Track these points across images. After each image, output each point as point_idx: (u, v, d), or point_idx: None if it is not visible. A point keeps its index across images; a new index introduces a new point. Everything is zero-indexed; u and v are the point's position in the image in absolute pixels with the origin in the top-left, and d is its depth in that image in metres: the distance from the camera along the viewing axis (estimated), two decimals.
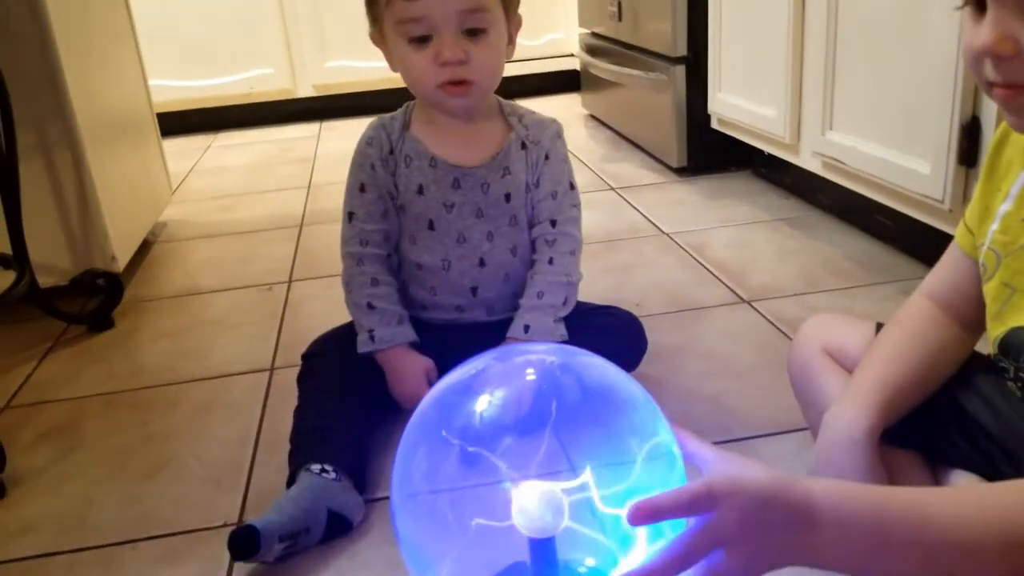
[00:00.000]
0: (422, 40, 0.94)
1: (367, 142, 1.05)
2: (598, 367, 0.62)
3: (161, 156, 1.99)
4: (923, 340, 0.75)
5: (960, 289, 0.76)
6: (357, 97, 2.98)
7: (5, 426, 1.08)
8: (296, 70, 2.97)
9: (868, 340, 0.81)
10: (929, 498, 0.54)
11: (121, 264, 1.52)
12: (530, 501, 0.57)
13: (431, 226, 1.04)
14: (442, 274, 1.05)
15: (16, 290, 1.24)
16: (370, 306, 1.03)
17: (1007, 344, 0.68)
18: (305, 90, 3.00)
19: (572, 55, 2.97)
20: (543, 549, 0.57)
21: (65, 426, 1.15)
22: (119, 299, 1.47)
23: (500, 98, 1.06)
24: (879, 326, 0.83)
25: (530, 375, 0.62)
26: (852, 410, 0.72)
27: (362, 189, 1.04)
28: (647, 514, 0.50)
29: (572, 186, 1.07)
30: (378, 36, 1.00)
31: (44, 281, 1.37)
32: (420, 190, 1.03)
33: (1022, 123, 0.60)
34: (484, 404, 0.61)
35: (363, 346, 1.02)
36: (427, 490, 0.61)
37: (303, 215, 2.00)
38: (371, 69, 2.91)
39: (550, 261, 1.05)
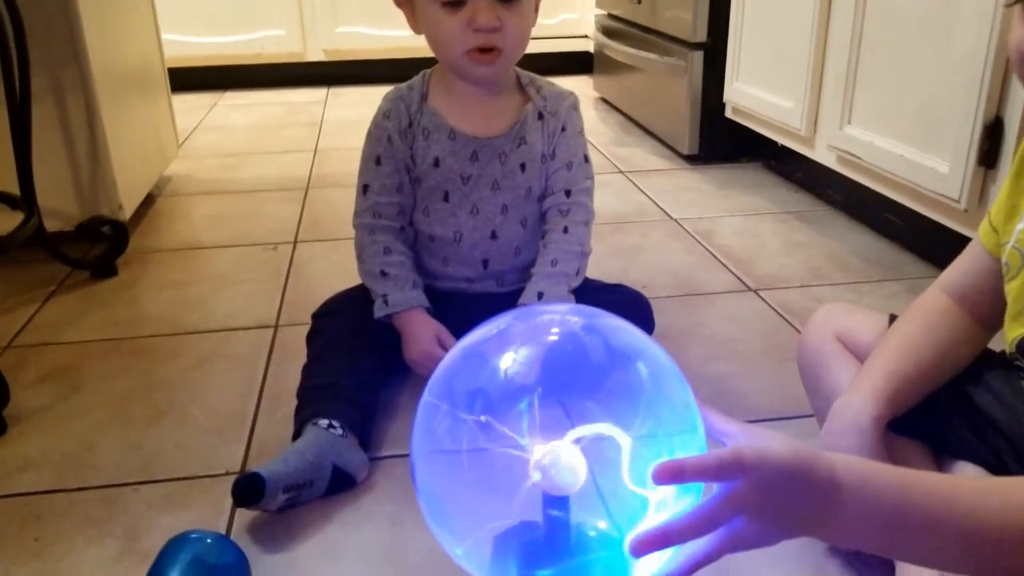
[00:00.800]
0: (455, 4, 0.93)
1: (384, 115, 1.04)
2: (624, 330, 0.62)
3: (170, 110, 1.97)
4: (935, 333, 0.75)
5: (978, 285, 0.76)
6: (366, 65, 2.96)
7: (7, 365, 1.07)
8: (307, 33, 2.94)
9: (881, 331, 0.81)
10: (951, 484, 0.54)
11: (127, 213, 1.51)
12: (549, 458, 0.57)
13: (446, 198, 1.03)
14: (454, 246, 1.05)
15: (23, 231, 1.23)
16: (383, 273, 1.03)
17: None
18: (315, 54, 2.97)
19: (586, 36, 2.96)
20: (557, 507, 0.57)
21: (67, 368, 1.15)
22: (124, 248, 1.46)
23: (518, 68, 1.06)
24: (892, 318, 0.83)
25: (554, 334, 0.62)
26: (860, 399, 0.72)
27: (378, 162, 1.04)
28: (672, 473, 0.50)
29: (587, 159, 1.08)
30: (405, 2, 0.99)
31: (50, 225, 1.36)
32: (436, 162, 1.02)
33: None
34: (507, 363, 0.61)
35: (379, 311, 1.02)
36: (449, 446, 0.60)
37: (309, 178, 1.99)
38: (382, 37, 2.90)
39: (564, 230, 1.05)
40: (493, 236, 1.05)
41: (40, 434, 1.00)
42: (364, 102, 2.72)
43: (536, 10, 1.00)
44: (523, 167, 1.03)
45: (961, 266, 0.79)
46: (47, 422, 1.02)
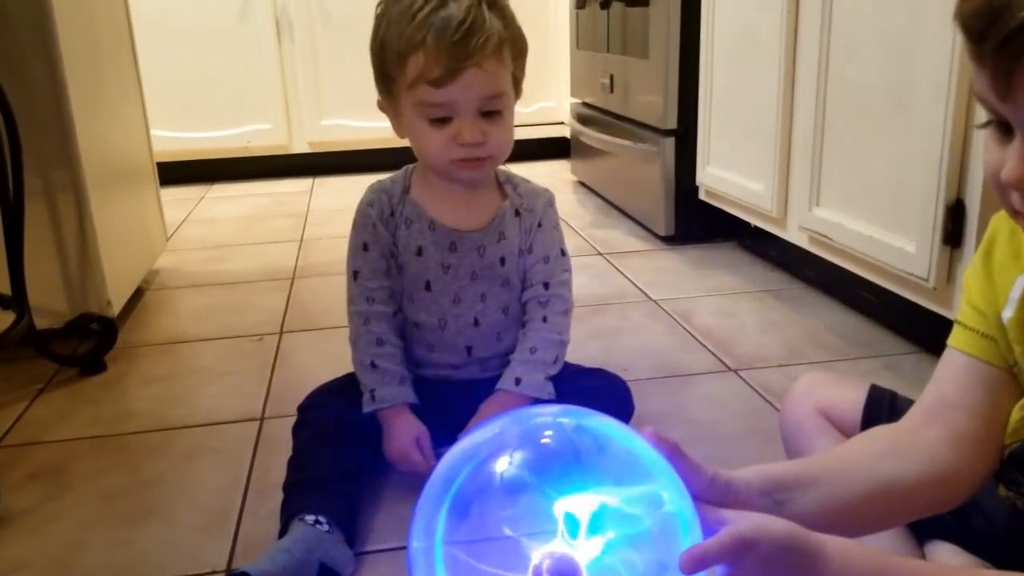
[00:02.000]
0: (442, 120, 0.98)
1: (368, 204, 1.09)
2: (615, 430, 0.64)
3: (158, 204, 2.01)
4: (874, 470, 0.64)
5: (966, 403, 0.66)
6: (350, 155, 3.04)
7: None
8: (293, 126, 3.02)
9: (860, 401, 0.84)
10: (929, 571, 0.56)
11: (116, 309, 1.53)
12: (547, 563, 0.58)
13: (428, 287, 1.07)
14: (438, 333, 1.08)
15: (14, 331, 1.25)
16: (373, 365, 1.05)
17: (1017, 457, 0.66)
18: (300, 146, 3.05)
19: (563, 123, 3.05)
20: None
21: (55, 467, 1.15)
22: (112, 343, 1.48)
23: (504, 168, 1.12)
24: (873, 387, 0.85)
25: (547, 438, 0.64)
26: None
27: (365, 248, 1.08)
28: (696, 562, 0.52)
29: (563, 252, 1.12)
30: (387, 105, 1.03)
31: (40, 323, 1.38)
32: (419, 251, 1.06)
33: None
34: (504, 466, 0.62)
35: (366, 405, 1.04)
36: (449, 541, 0.62)
37: (295, 268, 2.02)
38: (365, 128, 2.98)
39: (544, 319, 1.09)
40: (476, 323, 1.08)
41: (28, 535, 1.00)
42: (349, 191, 2.77)
43: (513, 117, 1.05)
44: (502, 261, 1.08)
45: (940, 385, 0.68)
46: (35, 523, 1.02)
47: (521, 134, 3.21)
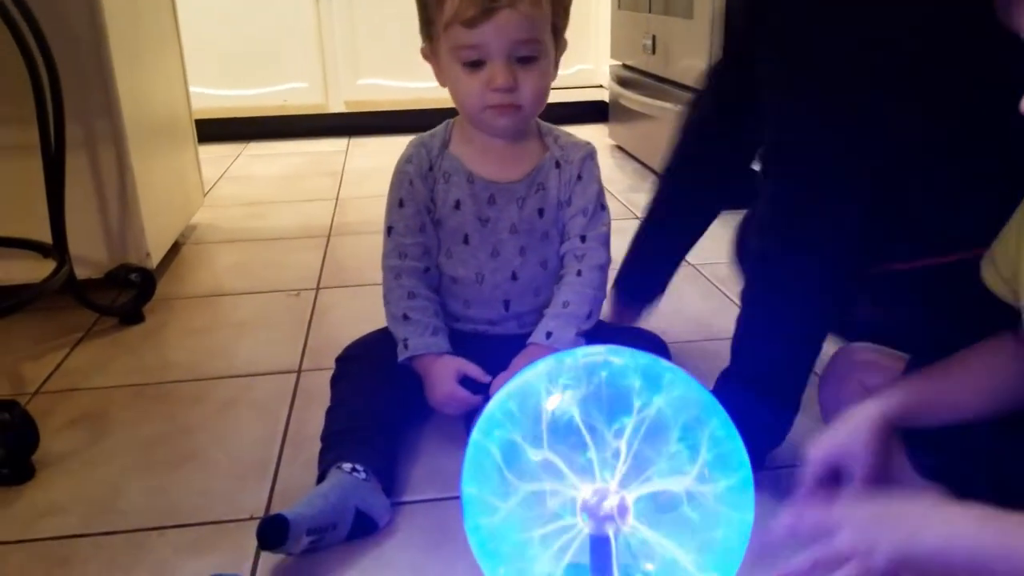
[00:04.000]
0: (476, 64, 0.97)
1: (407, 160, 1.08)
2: (681, 380, 0.64)
3: (196, 161, 2.02)
4: (993, 360, 0.72)
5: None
6: (386, 116, 3.02)
7: (36, 410, 1.09)
8: (329, 86, 3.01)
9: (899, 369, 0.82)
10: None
11: (155, 261, 1.55)
12: (593, 501, 0.58)
13: (466, 240, 1.07)
14: (476, 287, 1.08)
15: (55, 280, 1.26)
16: (406, 317, 1.05)
17: None
18: (336, 106, 3.04)
19: (601, 86, 3.01)
20: (602, 549, 0.58)
21: (94, 414, 1.17)
22: (151, 295, 1.49)
23: (538, 119, 1.09)
24: (911, 360, 0.83)
25: (600, 376, 0.64)
26: (877, 400, 0.72)
27: (401, 204, 1.08)
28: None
29: (603, 207, 1.10)
30: (430, 52, 1.03)
31: (80, 273, 1.40)
32: (457, 205, 1.06)
33: None
34: (555, 404, 0.63)
35: (400, 355, 1.04)
36: (501, 488, 0.62)
37: (331, 226, 2.02)
38: (402, 89, 2.97)
39: (578, 273, 1.07)
40: (513, 277, 1.08)
41: (67, 479, 1.01)
42: (384, 152, 2.77)
43: (556, 66, 1.03)
44: (540, 212, 1.07)
45: None
46: (74, 467, 1.04)
47: (559, 97, 3.18)
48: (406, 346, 1.04)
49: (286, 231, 2.00)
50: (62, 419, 1.15)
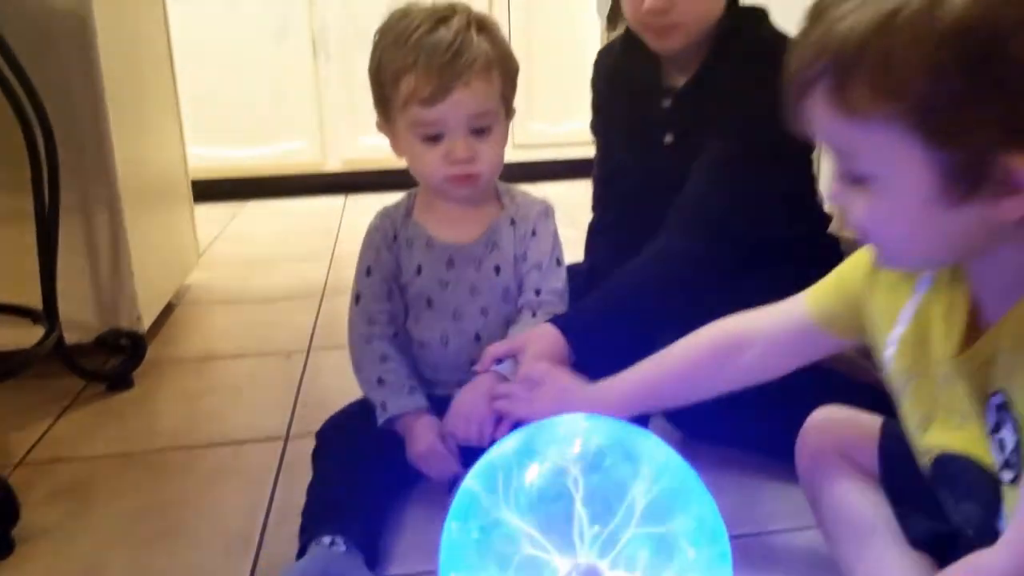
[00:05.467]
0: (435, 138, 1.02)
1: (374, 229, 1.13)
2: (649, 442, 0.64)
3: (191, 221, 2.03)
4: (700, 373, 0.87)
5: (778, 341, 0.83)
6: (384, 174, 3.04)
7: (19, 481, 1.08)
8: (327, 144, 3.04)
9: (875, 436, 0.82)
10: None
11: (145, 324, 1.54)
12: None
13: (429, 304, 1.09)
14: (441, 350, 1.10)
15: (43, 347, 1.25)
16: (380, 381, 1.06)
17: (937, 472, 0.69)
18: (335, 164, 3.07)
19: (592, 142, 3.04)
20: None
21: (78, 485, 1.15)
22: (141, 359, 1.48)
23: (497, 180, 1.13)
24: (886, 423, 0.83)
25: (575, 448, 0.64)
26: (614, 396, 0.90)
27: (368, 272, 1.11)
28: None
29: (559, 262, 1.12)
30: (384, 125, 1.07)
31: (69, 337, 1.39)
32: (419, 270, 1.09)
33: (877, 263, 0.68)
34: (532, 476, 0.63)
35: (380, 418, 1.04)
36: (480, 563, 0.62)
37: (325, 285, 2.02)
38: None
39: (533, 315, 1.09)
40: (477, 338, 1.09)
41: (48, 554, 0.99)
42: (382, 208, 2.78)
43: (507, 133, 1.08)
44: (497, 269, 1.09)
45: (770, 314, 0.84)
46: (56, 541, 1.02)
47: (551, 155, 3.23)
48: (384, 408, 1.04)
49: (281, 291, 2.00)
50: (45, 491, 1.13)
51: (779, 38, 1.15)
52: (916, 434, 0.71)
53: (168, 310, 1.83)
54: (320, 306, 1.87)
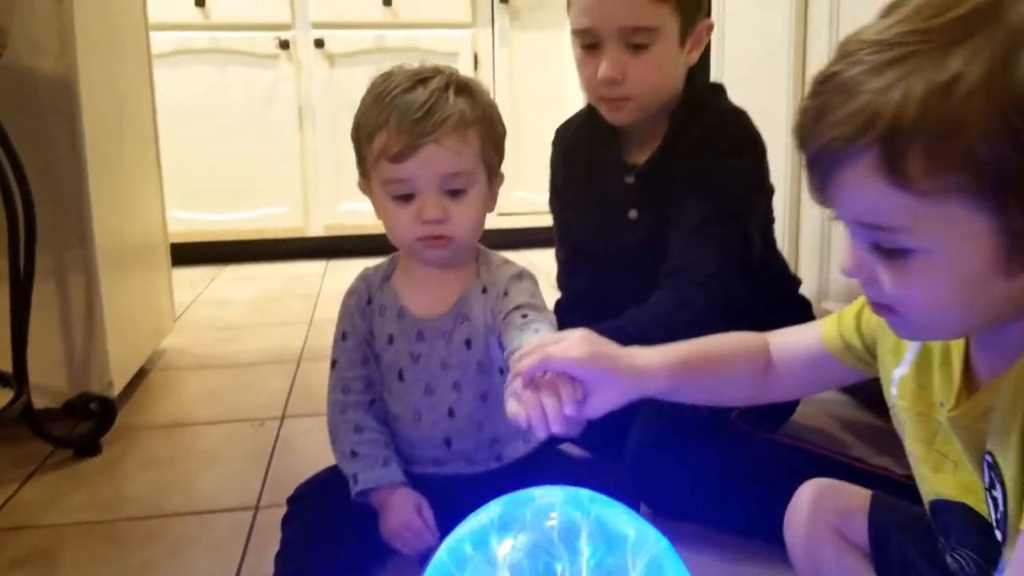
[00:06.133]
0: (406, 197, 0.99)
1: (350, 293, 1.11)
2: (620, 517, 0.63)
3: (169, 285, 2.02)
4: (734, 369, 0.84)
5: (793, 367, 0.83)
6: (365, 239, 3.06)
7: None
8: (310, 209, 3.06)
9: (865, 509, 0.82)
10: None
11: (116, 390, 1.52)
12: None
13: (401, 376, 1.06)
14: (414, 425, 1.06)
15: (10, 411, 1.23)
16: (354, 453, 1.03)
17: (934, 515, 0.70)
18: (316, 229, 3.08)
19: None
20: None
21: (42, 553, 1.12)
22: (110, 425, 1.46)
23: (481, 247, 1.09)
24: (874, 496, 0.83)
25: (551, 521, 0.63)
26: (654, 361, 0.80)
27: (343, 337, 1.09)
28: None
29: (546, 309, 1.01)
30: (366, 186, 1.06)
31: (38, 401, 1.37)
32: (390, 339, 1.06)
33: (898, 334, 0.65)
34: (506, 550, 0.62)
35: (352, 491, 1.01)
36: None
37: (302, 350, 2.01)
38: None
39: (535, 331, 0.93)
40: (451, 414, 1.04)
41: None
42: None
43: (494, 197, 1.05)
44: (468, 343, 1.04)
45: (791, 341, 0.84)
46: None
47: (535, 222, 3.24)
48: (356, 481, 1.01)
49: (256, 356, 1.99)
50: (7, 560, 1.10)
51: (737, 112, 1.21)
52: (918, 469, 0.71)
53: (141, 375, 1.81)
54: (296, 372, 1.86)
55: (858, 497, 0.84)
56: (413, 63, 1.04)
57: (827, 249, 1.52)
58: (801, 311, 1.33)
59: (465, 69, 3.05)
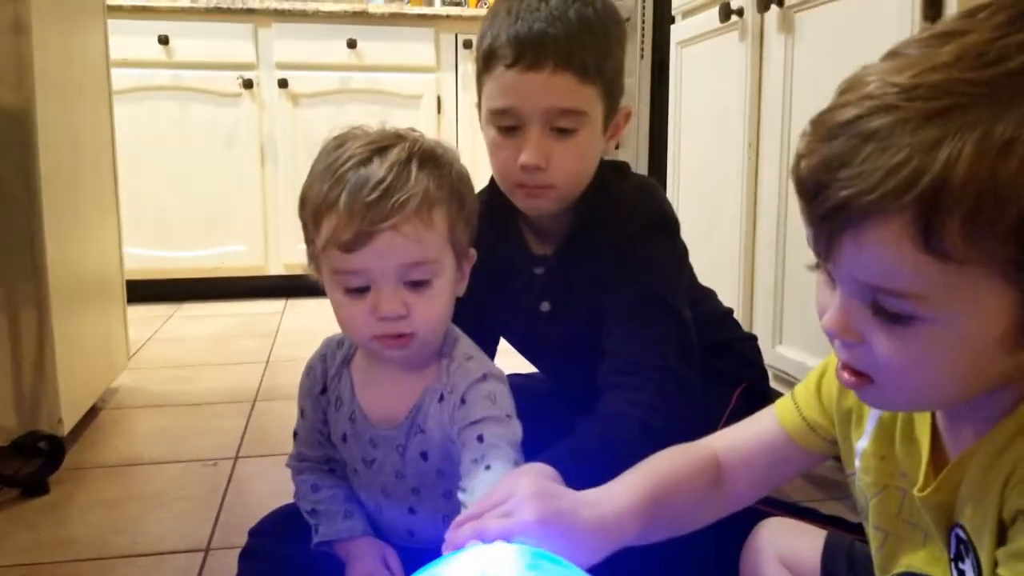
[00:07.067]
0: (360, 291, 0.86)
1: (307, 371, 1.00)
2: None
3: (123, 322, 2.00)
4: (697, 484, 0.74)
5: (748, 461, 0.76)
6: None
7: None
8: (269, 248, 3.05)
9: (819, 549, 0.83)
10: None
11: (66, 428, 1.49)
12: None
13: (357, 473, 0.98)
14: (377, 514, 0.98)
15: None
16: (314, 511, 0.99)
17: None
18: (276, 268, 3.07)
19: None
20: None
21: None
22: (59, 464, 1.43)
23: (451, 332, 0.95)
24: (829, 536, 0.84)
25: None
26: (623, 509, 0.68)
27: (302, 414, 1.01)
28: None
29: (508, 416, 0.89)
30: (315, 269, 0.91)
31: None
32: (344, 438, 0.97)
33: (869, 404, 0.61)
34: None
35: (314, 539, 0.97)
36: None
37: (258, 390, 1.99)
38: None
39: (487, 468, 0.85)
40: (411, 511, 0.96)
41: None
42: (321, 314, 2.77)
43: (464, 277, 0.93)
44: (424, 455, 0.92)
45: (742, 435, 0.78)
46: None
47: None
48: (317, 532, 0.97)
49: (211, 395, 1.96)
50: None
51: (644, 189, 1.13)
52: (878, 553, 0.69)
53: (93, 413, 1.78)
54: (251, 412, 1.84)
55: (810, 534, 0.86)
56: (373, 124, 0.91)
57: (781, 297, 1.55)
58: (745, 340, 1.31)
59: (428, 112, 3.10)
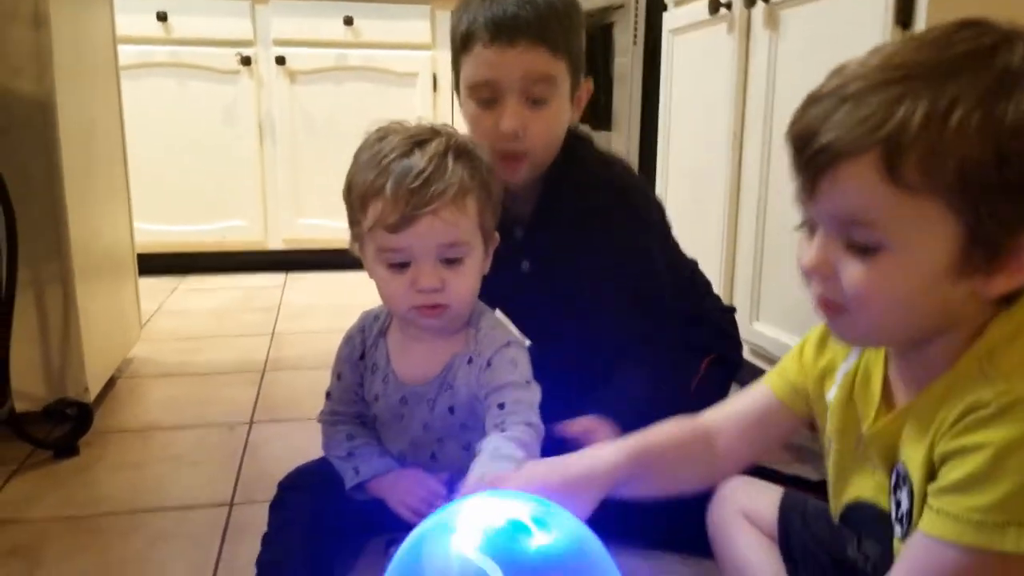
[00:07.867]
0: (401, 266, 1.00)
1: (347, 339, 1.14)
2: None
3: (136, 295, 2.09)
4: (687, 447, 0.86)
5: (744, 427, 0.86)
6: (322, 253, 3.14)
7: None
8: (269, 224, 3.13)
9: (777, 504, 0.94)
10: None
11: (92, 395, 1.59)
12: None
13: (387, 427, 1.12)
14: (401, 463, 1.11)
15: None
16: (350, 455, 1.10)
17: (848, 515, 0.80)
18: (275, 243, 3.15)
19: None
20: None
21: (25, 547, 1.19)
22: (87, 428, 1.53)
23: (477, 307, 1.08)
24: (785, 495, 0.95)
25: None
26: (611, 451, 0.82)
27: (338, 377, 1.14)
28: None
29: (527, 381, 1.03)
30: (357, 247, 1.06)
31: (19, 406, 1.44)
32: (376, 398, 1.11)
33: (840, 335, 0.73)
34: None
35: (349, 482, 1.07)
36: None
37: (266, 361, 2.09)
38: (339, 228, 3.08)
39: (502, 430, 0.98)
40: (433, 457, 1.10)
41: None
42: (321, 289, 2.88)
43: (489, 258, 1.06)
44: (452, 410, 1.06)
45: (733, 404, 0.88)
46: None
47: None
48: (357, 473, 1.07)
49: (221, 366, 2.06)
50: None
51: (608, 159, 1.28)
52: (833, 493, 0.82)
53: (110, 383, 1.88)
54: (261, 382, 1.94)
55: (771, 490, 0.97)
56: (410, 120, 1.03)
57: (759, 275, 1.66)
58: (723, 311, 1.44)
59: (424, 91, 3.17)
